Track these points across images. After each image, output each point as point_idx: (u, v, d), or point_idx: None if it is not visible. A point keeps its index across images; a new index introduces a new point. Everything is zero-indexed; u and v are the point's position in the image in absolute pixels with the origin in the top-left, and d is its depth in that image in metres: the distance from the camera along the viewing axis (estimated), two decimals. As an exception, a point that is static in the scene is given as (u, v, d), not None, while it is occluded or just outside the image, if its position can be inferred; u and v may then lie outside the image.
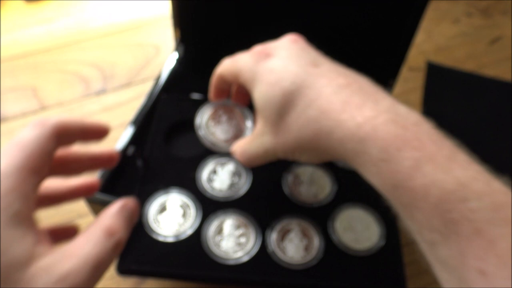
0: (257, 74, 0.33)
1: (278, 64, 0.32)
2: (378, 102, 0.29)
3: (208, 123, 0.42)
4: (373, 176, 0.28)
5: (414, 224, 0.27)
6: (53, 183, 0.34)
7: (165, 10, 0.76)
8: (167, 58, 0.59)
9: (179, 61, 0.58)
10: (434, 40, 0.73)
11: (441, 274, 0.26)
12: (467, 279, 0.24)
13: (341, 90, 0.30)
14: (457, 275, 0.24)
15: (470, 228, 0.23)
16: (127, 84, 0.65)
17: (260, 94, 0.33)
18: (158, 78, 0.57)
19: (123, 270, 0.38)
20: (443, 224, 0.24)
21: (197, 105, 0.51)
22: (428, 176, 0.25)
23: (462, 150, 0.27)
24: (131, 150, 0.44)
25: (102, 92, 0.64)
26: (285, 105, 0.31)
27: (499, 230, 0.23)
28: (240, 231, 0.40)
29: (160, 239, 0.40)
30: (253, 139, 0.36)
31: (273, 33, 0.55)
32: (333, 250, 0.40)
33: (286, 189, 0.43)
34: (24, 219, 0.26)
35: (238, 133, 0.41)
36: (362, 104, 0.29)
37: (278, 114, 0.32)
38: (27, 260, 0.25)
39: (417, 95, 0.64)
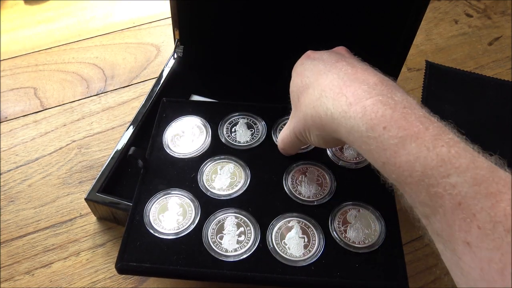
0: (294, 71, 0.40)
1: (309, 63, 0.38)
2: (375, 87, 0.31)
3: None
4: (365, 154, 0.31)
5: (408, 199, 0.28)
6: None
7: (165, 10, 0.76)
8: (167, 58, 0.59)
9: (179, 61, 0.58)
10: (434, 40, 0.73)
11: (438, 245, 0.27)
12: (456, 250, 0.25)
13: (345, 76, 0.33)
14: (449, 246, 0.25)
15: (453, 201, 0.25)
16: (128, 84, 0.65)
17: (291, 83, 0.40)
18: (158, 78, 0.57)
19: (123, 268, 0.38)
20: (429, 198, 0.26)
21: (197, 106, 0.51)
22: (412, 153, 0.27)
23: (451, 130, 0.28)
24: (131, 150, 0.44)
25: (102, 92, 0.64)
26: (301, 89, 0.37)
27: (479, 204, 0.24)
28: (240, 229, 0.41)
29: (161, 237, 0.40)
30: (286, 125, 0.42)
31: (273, 33, 0.55)
32: (333, 248, 0.40)
33: (286, 189, 0.44)
34: None
35: None
36: (358, 87, 0.31)
37: (297, 97, 0.38)
38: None
39: (417, 95, 0.64)
